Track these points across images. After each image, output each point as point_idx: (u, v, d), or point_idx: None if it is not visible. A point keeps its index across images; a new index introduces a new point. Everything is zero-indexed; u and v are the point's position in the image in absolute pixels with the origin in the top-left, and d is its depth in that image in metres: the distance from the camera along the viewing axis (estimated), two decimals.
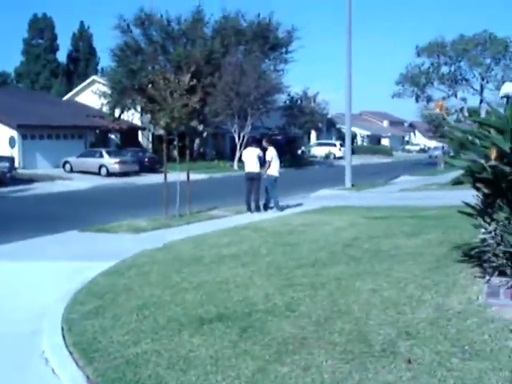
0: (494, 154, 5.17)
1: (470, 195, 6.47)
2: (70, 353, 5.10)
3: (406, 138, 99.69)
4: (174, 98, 14.28)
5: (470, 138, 5.64)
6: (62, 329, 5.79)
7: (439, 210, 13.38)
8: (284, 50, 47.07)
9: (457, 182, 6.03)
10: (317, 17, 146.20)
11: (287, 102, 49.34)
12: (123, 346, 5.06)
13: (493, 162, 5.23)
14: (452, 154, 6.97)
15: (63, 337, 5.56)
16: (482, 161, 5.38)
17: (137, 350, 4.93)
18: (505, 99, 6.19)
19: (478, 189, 5.92)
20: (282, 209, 15.64)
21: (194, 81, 15.52)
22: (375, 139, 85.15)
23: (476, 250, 6.14)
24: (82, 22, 74.45)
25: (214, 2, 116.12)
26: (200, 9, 44.03)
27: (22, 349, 5.54)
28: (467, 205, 6.32)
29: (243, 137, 41.44)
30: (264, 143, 15.98)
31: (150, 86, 14.99)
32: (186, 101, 14.47)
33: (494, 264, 5.58)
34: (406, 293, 5.94)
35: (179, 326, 5.47)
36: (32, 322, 6.26)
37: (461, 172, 6.13)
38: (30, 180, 29.86)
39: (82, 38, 73.96)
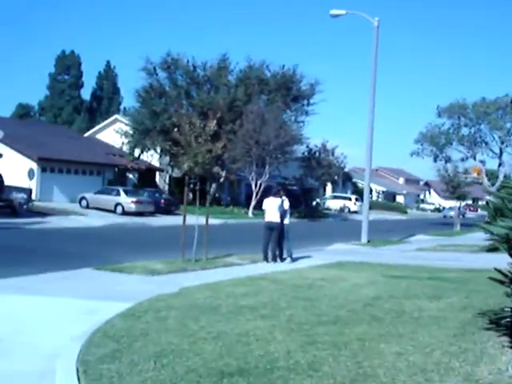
0: None
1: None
2: None
3: (421, 197, 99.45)
4: (198, 142, 14.31)
5: (508, 203, 5.54)
6: (77, 371, 5.62)
7: (459, 272, 13.17)
8: (306, 102, 47.56)
9: (492, 249, 5.89)
10: (340, 71, 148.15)
11: (306, 153, 49.57)
12: None
13: None
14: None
15: (78, 379, 5.39)
16: None
17: None
18: None
19: None
20: (294, 259, 15.65)
21: (217, 127, 15.62)
22: (390, 195, 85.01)
23: (506, 319, 5.97)
24: (108, 62, 76.08)
25: (240, 51, 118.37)
26: (226, 57, 44.76)
27: None
28: (498, 271, 6.18)
29: (260, 185, 41.53)
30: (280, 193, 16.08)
31: (175, 129, 15.06)
32: (210, 146, 14.51)
33: None
34: (433, 359, 5.76)
35: (198, 377, 5.29)
36: (45, 362, 6.07)
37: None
38: (46, 213, 29.95)
39: (107, 77, 75.32)
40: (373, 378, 5.24)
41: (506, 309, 5.81)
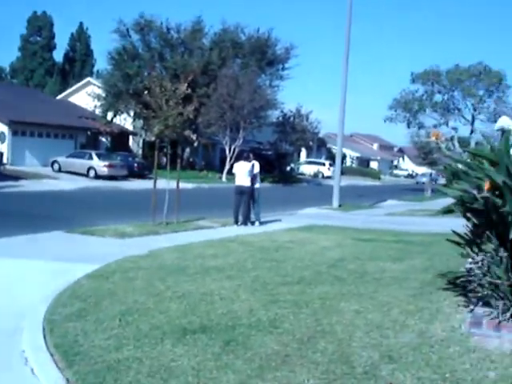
0: (486, 185, 5.22)
1: (455, 224, 6.54)
2: (51, 354, 5.05)
3: (395, 163, 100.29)
4: (169, 105, 14.28)
5: (464, 167, 5.71)
6: (44, 329, 5.73)
7: (425, 236, 13.45)
8: (281, 66, 47.42)
9: (447, 211, 6.08)
10: (315, 35, 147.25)
11: (280, 118, 49.55)
12: (105, 351, 5.02)
13: (485, 194, 5.28)
14: (441, 181, 7.03)
15: (44, 337, 5.51)
16: (475, 191, 5.44)
17: (118, 356, 4.89)
18: (499, 132, 6.26)
19: (468, 218, 5.98)
20: (263, 223, 15.97)
21: (190, 90, 15.57)
22: (364, 161, 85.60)
23: (462, 279, 6.18)
24: (81, 23, 74.62)
25: (215, 14, 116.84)
26: (200, 19, 44.26)
27: (0, 347, 5.47)
28: (456, 234, 6.37)
29: (234, 149, 41.55)
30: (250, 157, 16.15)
31: (146, 92, 14.99)
32: (181, 109, 14.48)
33: (479, 294, 5.62)
34: (390, 317, 5.96)
35: (162, 334, 5.44)
36: (12, 321, 6.17)
37: (450, 200, 6.19)
38: (18, 177, 29.71)
39: (80, 39, 73.96)
40: (331, 335, 5.43)
41: (462, 269, 6.00)
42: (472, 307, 5.63)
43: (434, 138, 6.11)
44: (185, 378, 4.45)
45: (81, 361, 4.82)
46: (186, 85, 15.14)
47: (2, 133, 33.68)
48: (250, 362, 4.76)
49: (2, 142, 33.10)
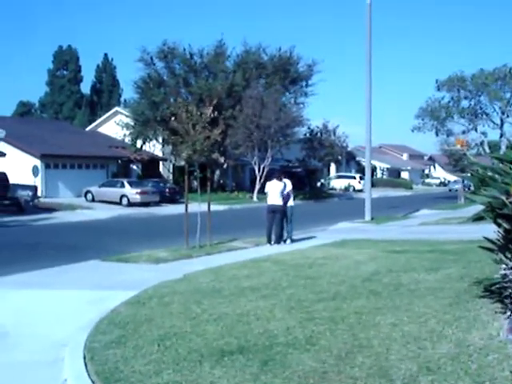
0: None
1: (491, 230, 6.49)
2: (93, 382, 5.14)
3: (426, 172, 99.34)
4: (196, 130, 14.46)
5: (490, 173, 5.70)
6: (84, 357, 5.83)
7: (459, 244, 13.32)
8: (304, 83, 47.60)
9: (478, 218, 6.06)
10: (337, 50, 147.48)
11: (307, 134, 49.63)
12: (145, 376, 5.10)
13: None
14: (472, 188, 7.00)
15: (85, 365, 5.61)
16: (503, 197, 5.43)
17: (158, 381, 4.96)
18: None
19: (499, 224, 5.95)
20: (294, 240, 16.03)
21: (216, 113, 15.75)
22: (395, 172, 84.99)
23: (497, 285, 6.14)
24: (105, 55, 76.15)
25: (236, 36, 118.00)
26: (222, 43, 44.75)
27: (43, 377, 5.58)
28: (488, 240, 6.34)
29: (263, 169, 41.69)
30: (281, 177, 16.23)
31: (172, 118, 15.21)
32: (208, 133, 14.65)
33: None
34: (427, 328, 5.94)
35: (200, 357, 5.51)
36: (53, 351, 6.31)
37: (481, 207, 6.17)
38: (52, 209, 30.23)
39: (106, 70, 75.38)
40: (368, 349, 5.43)
41: (497, 276, 5.97)
42: (509, 313, 5.59)
43: (458, 146, 6.09)
44: None
45: None
46: (212, 108, 15.34)
47: (35, 166, 34.32)
48: (289, 381, 4.78)
49: (36, 176, 33.71)
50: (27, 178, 33.07)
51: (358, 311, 6.79)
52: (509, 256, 5.78)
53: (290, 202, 16.04)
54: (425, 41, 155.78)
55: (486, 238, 6.37)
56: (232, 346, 5.75)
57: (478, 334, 5.58)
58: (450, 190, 64.17)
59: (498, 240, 6.14)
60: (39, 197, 32.15)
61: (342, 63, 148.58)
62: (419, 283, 8.35)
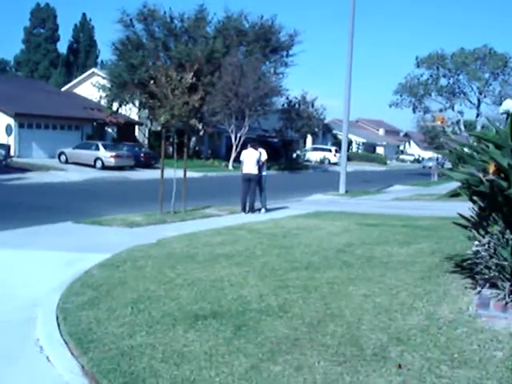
0: (492, 168, 5.27)
1: (462, 207, 6.59)
2: (65, 342, 5.15)
3: (401, 148, 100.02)
4: (175, 95, 14.32)
5: (468, 151, 5.75)
6: (57, 318, 5.83)
7: (432, 220, 13.49)
8: (285, 53, 47.33)
9: (454, 194, 6.13)
10: (319, 22, 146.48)
11: (285, 105, 49.50)
12: (118, 338, 5.11)
13: (490, 177, 5.34)
14: (448, 165, 7.08)
15: (58, 326, 5.61)
16: (480, 174, 5.49)
17: (131, 343, 4.99)
18: (505, 115, 6.29)
19: (474, 202, 6.03)
20: (269, 210, 16.06)
21: (195, 79, 15.57)
22: (370, 147, 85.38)
23: (468, 261, 6.24)
24: (84, 14, 74.69)
25: (218, 2, 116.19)
26: (203, 8, 44.15)
27: (15, 336, 5.55)
28: (462, 217, 6.43)
29: (240, 137, 41.57)
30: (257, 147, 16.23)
31: (151, 82, 15.02)
32: (186, 99, 14.52)
33: (486, 276, 5.69)
34: (398, 300, 6.04)
35: (174, 321, 5.54)
36: (25, 311, 6.27)
37: (456, 184, 6.25)
38: (25, 169, 29.85)
39: (84, 30, 74.01)
40: (339, 318, 5.51)
41: (469, 252, 6.06)
42: (479, 289, 5.70)
43: (438, 122, 6.14)
44: (197, 363, 4.54)
45: (95, 348, 4.91)
46: (192, 74, 15.16)
47: (9, 125, 33.73)
48: (261, 346, 4.84)
49: (9, 135, 33.16)
50: (0, 137, 32.53)
51: (331, 281, 6.86)
52: (482, 233, 5.87)
53: (264, 172, 16.09)
54: (408, 18, 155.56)
55: (460, 215, 6.46)
56: (205, 311, 5.79)
57: (447, 308, 5.69)
58: (423, 167, 64.80)
59: (472, 217, 6.23)
60: (12, 156, 31.70)
61: (323, 35, 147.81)
62: (392, 256, 8.46)
